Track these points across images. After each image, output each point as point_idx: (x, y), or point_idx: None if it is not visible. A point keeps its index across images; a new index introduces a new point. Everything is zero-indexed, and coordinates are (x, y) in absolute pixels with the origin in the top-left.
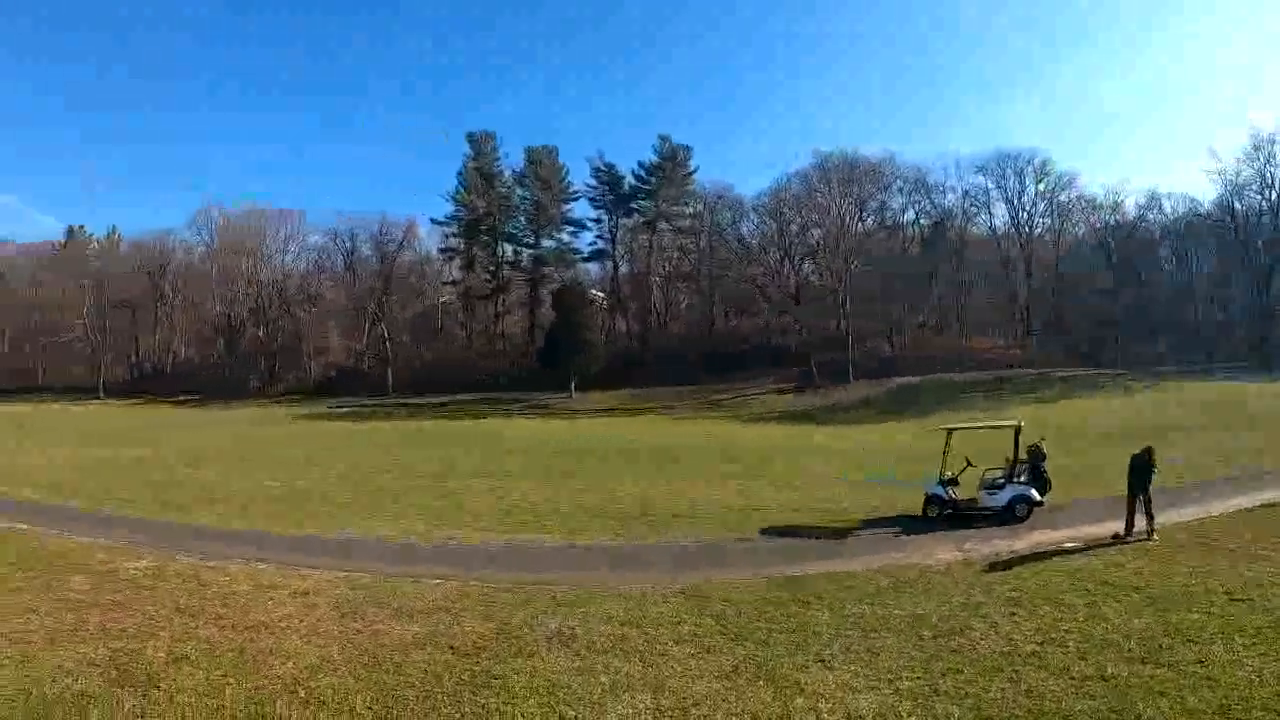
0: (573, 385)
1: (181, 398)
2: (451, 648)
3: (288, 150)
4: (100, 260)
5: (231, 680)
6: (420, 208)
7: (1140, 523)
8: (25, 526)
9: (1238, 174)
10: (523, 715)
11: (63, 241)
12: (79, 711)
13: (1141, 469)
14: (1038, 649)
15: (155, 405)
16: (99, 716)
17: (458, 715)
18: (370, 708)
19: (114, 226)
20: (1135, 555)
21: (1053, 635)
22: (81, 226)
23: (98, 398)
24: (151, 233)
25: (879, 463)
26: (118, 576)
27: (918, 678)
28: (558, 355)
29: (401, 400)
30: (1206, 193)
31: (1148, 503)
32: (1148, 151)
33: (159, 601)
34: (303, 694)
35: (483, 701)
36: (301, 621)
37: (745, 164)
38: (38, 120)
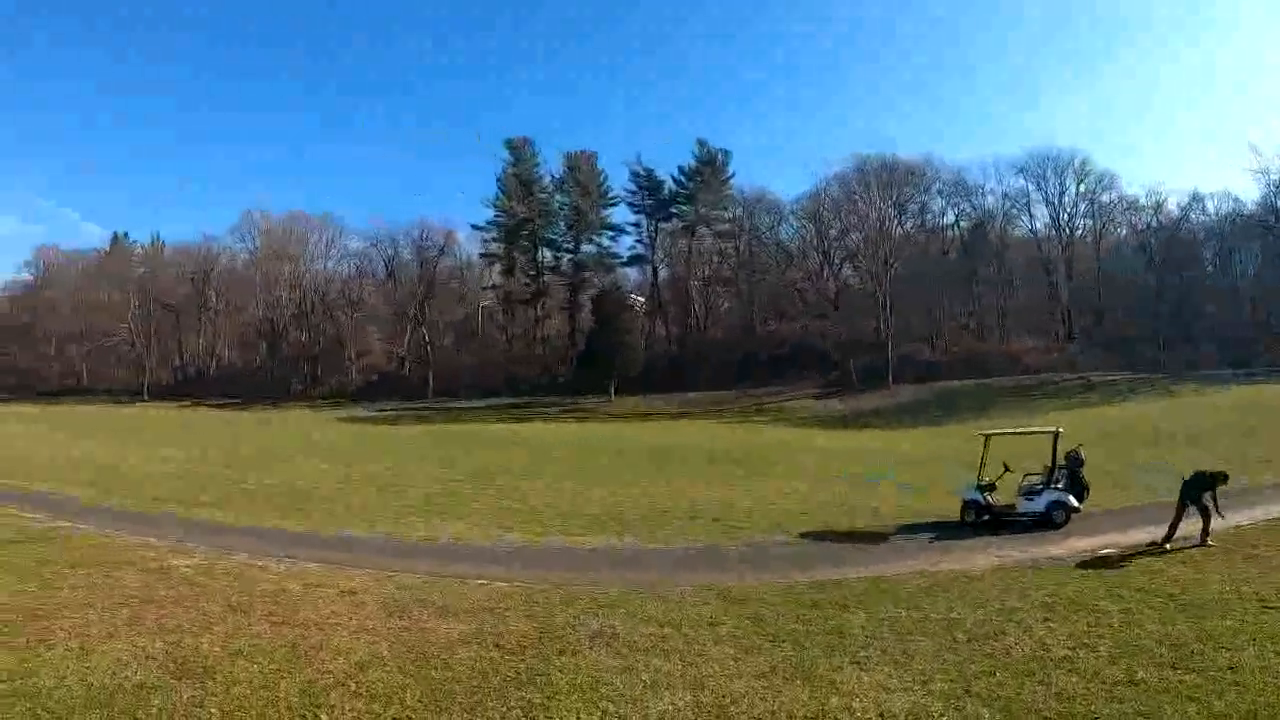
0: (612, 389)
1: (224, 401)
2: (497, 645)
3: (315, 153)
4: (144, 266)
5: (285, 674)
6: (456, 210)
7: (1184, 529)
8: (83, 526)
9: None
10: (566, 711)
11: (107, 248)
12: (139, 701)
13: (1205, 486)
14: (1070, 653)
15: (198, 408)
16: (159, 705)
17: (504, 710)
18: (420, 702)
19: (157, 233)
20: (1173, 562)
21: (1085, 640)
22: (125, 234)
23: (142, 399)
24: (195, 240)
25: (912, 467)
26: (169, 574)
27: (951, 680)
28: (597, 359)
29: (442, 404)
30: (1249, 192)
31: (1204, 511)
32: (1190, 150)
33: (211, 598)
34: (354, 687)
35: (527, 697)
36: (350, 619)
37: (784, 168)
38: (88, 136)
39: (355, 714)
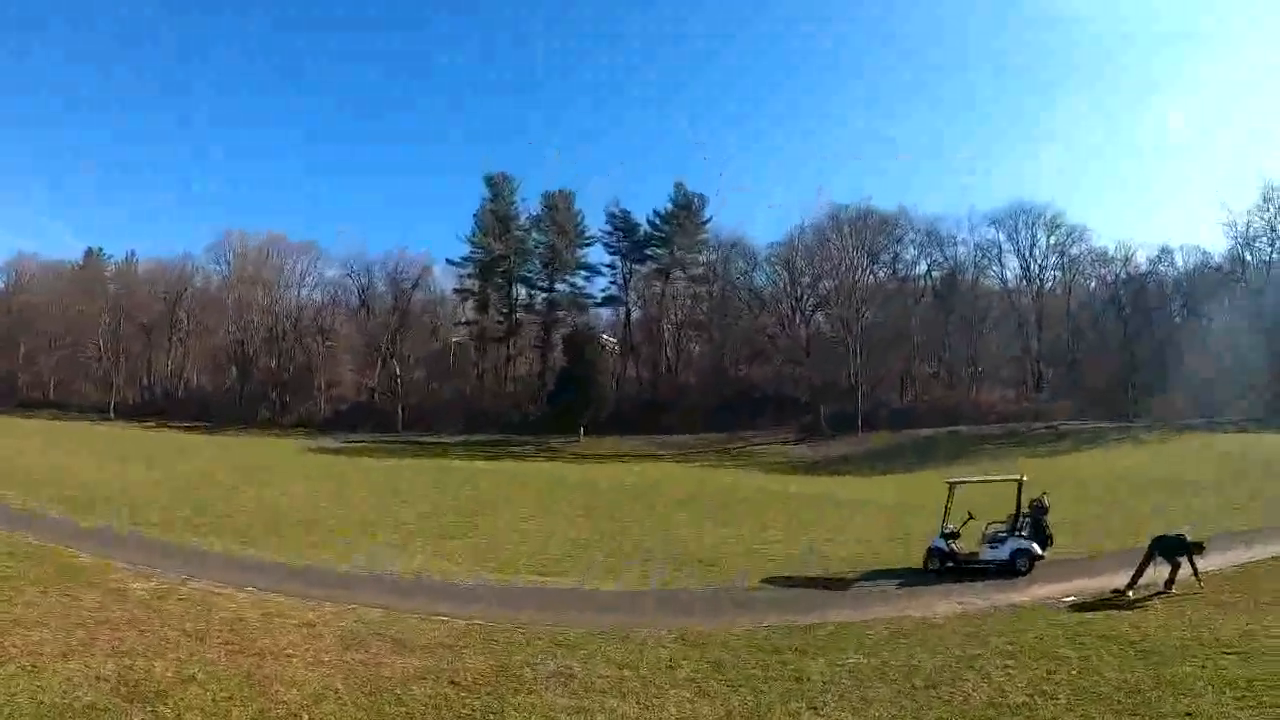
0: (581, 430)
1: (192, 424)
2: (453, 682)
3: (302, 177)
4: (117, 283)
5: (237, 703)
6: (437, 242)
7: (1147, 578)
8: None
9: (1248, 226)
10: None
11: (81, 262)
12: None
13: (1175, 545)
14: (1028, 700)
15: (164, 429)
16: None
17: None
18: None
19: (132, 250)
20: (1134, 609)
21: (1044, 688)
22: (100, 249)
23: (108, 417)
24: (169, 258)
25: (880, 514)
26: (127, 596)
27: None
28: (568, 399)
29: (411, 438)
30: (1217, 245)
31: (1175, 563)
32: (1159, 204)
33: (167, 623)
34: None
35: None
36: (307, 650)
37: (761, 215)
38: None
39: None
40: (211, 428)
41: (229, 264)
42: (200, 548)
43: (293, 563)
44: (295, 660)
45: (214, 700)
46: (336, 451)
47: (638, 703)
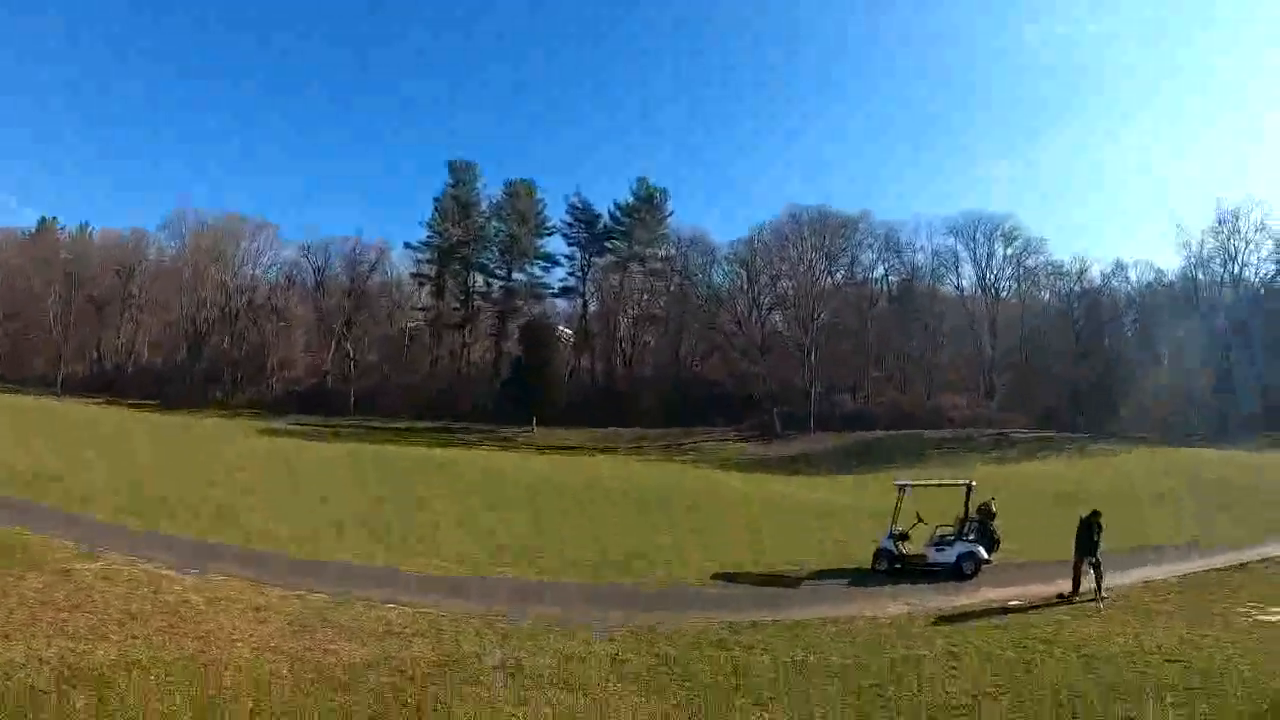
0: (534, 421)
1: (142, 401)
2: (399, 671)
3: (267, 155)
4: (70, 253)
5: (180, 687)
6: (397, 227)
7: (1087, 584)
8: None
9: (1202, 246)
10: None
11: (33, 231)
12: (30, 706)
13: (1088, 530)
14: (971, 702)
15: (113, 406)
16: (51, 713)
17: None
18: None
19: (86, 221)
20: (1078, 615)
21: (988, 690)
22: (54, 219)
23: (56, 393)
24: (123, 231)
25: (830, 516)
26: (72, 578)
27: None
28: (522, 389)
29: (363, 422)
30: (1171, 263)
31: (1096, 565)
32: (1116, 220)
33: (112, 605)
34: (250, 705)
35: None
36: (252, 635)
37: (722, 213)
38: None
39: None
40: (162, 405)
41: (184, 238)
42: (148, 530)
43: (241, 547)
44: (241, 645)
45: (157, 684)
46: (286, 434)
47: (584, 695)
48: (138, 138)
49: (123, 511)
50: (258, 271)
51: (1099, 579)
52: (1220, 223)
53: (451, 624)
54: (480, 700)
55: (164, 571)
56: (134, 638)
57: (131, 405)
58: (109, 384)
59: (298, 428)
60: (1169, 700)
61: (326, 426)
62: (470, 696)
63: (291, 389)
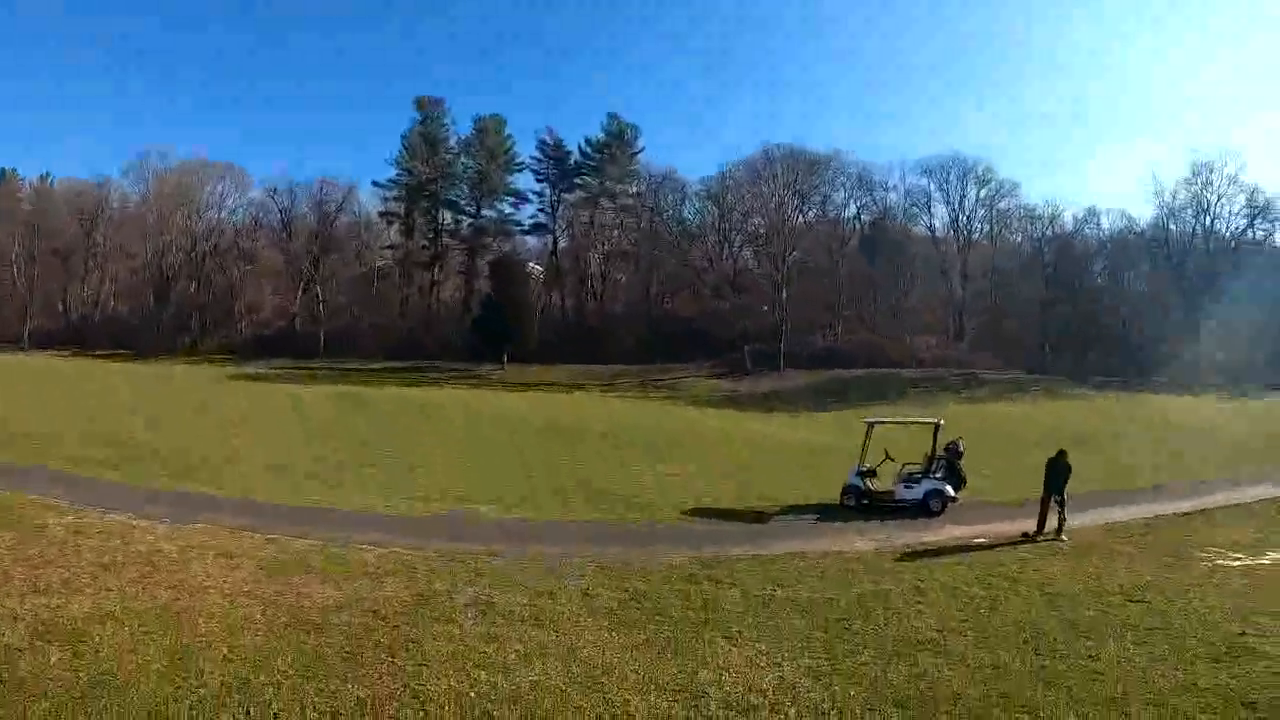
0: (505, 358)
1: (111, 352)
2: (372, 612)
3: (229, 99)
4: (31, 204)
5: (155, 637)
6: (365, 167)
7: (1052, 523)
8: None
9: (1174, 197)
10: (438, 678)
11: None
12: (6, 663)
13: (1056, 471)
14: (937, 636)
15: (81, 358)
16: (27, 668)
17: (375, 676)
18: (292, 667)
19: (47, 171)
20: (1043, 554)
21: (953, 625)
22: (14, 170)
23: (23, 348)
24: (86, 179)
25: (800, 452)
26: (44, 533)
27: (819, 657)
28: (493, 327)
29: (333, 364)
30: (1143, 212)
31: (1060, 505)
32: (1089, 166)
33: (84, 558)
34: (225, 652)
35: (400, 664)
36: (225, 581)
37: (695, 151)
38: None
39: (224, 679)
40: (130, 356)
41: (147, 184)
42: (118, 481)
43: (212, 493)
44: (213, 592)
45: (131, 635)
46: (256, 378)
47: (556, 631)
48: (101, 88)
49: (93, 463)
50: (224, 215)
51: (1061, 519)
52: (1194, 174)
53: (423, 563)
54: (451, 638)
55: (134, 521)
56: (107, 590)
57: (101, 356)
58: (77, 336)
59: (268, 372)
60: (1129, 639)
61: (298, 369)
62: (442, 635)
63: (261, 333)
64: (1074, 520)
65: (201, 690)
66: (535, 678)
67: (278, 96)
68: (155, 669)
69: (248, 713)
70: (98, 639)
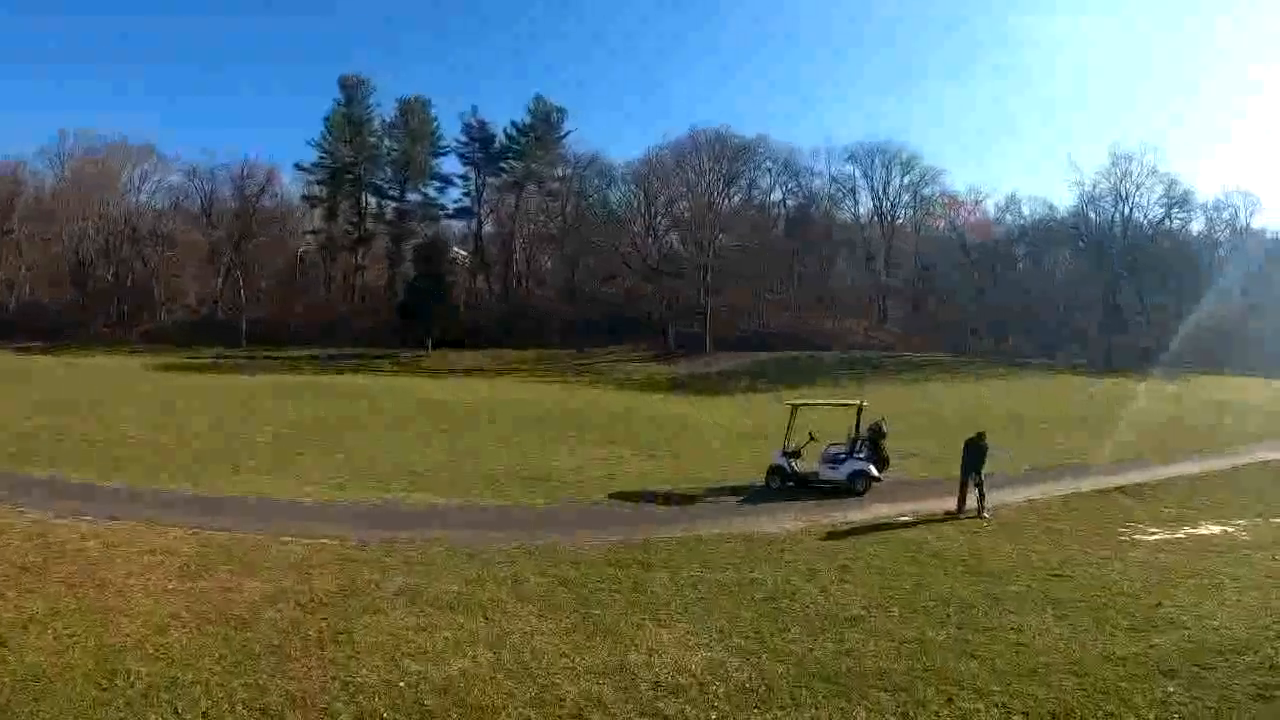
0: (430, 344)
1: (25, 344)
2: (300, 604)
3: (152, 79)
4: None
5: (80, 640)
6: (290, 153)
7: (972, 501)
8: None
9: (1094, 186)
10: (368, 669)
11: None
12: None
13: (974, 451)
14: (863, 613)
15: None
16: None
17: (305, 670)
18: (220, 664)
19: None
20: (966, 531)
21: (879, 601)
22: None
23: None
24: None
25: (727, 433)
26: None
27: (747, 637)
28: (417, 312)
29: (255, 352)
30: (1063, 200)
31: (980, 484)
32: (1011, 156)
33: (5, 559)
34: (151, 651)
35: (329, 656)
36: (149, 579)
37: (622, 135)
38: None
39: (151, 678)
40: (46, 346)
41: (63, 167)
42: (36, 476)
43: (135, 487)
44: (138, 590)
45: (56, 639)
46: (178, 368)
47: (485, 618)
48: (15, 70)
49: (11, 460)
50: (142, 199)
51: (982, 497)
52: (1114, 164)
53: (351, 553)
54: (380, 629)
55: (55, 519)
56: (30, 592)
57: (14, 349)
58: None
59: (189, 361)
60: (1050, 612)
61: (219, 358)
62: (371, 625)
63: (181, 320)
64: (999, 498)
65: (129, 691)
66: (465, 665)
67: (198, 79)
68: (82, 671)
69: (176, 711)
70: (22, 644)
